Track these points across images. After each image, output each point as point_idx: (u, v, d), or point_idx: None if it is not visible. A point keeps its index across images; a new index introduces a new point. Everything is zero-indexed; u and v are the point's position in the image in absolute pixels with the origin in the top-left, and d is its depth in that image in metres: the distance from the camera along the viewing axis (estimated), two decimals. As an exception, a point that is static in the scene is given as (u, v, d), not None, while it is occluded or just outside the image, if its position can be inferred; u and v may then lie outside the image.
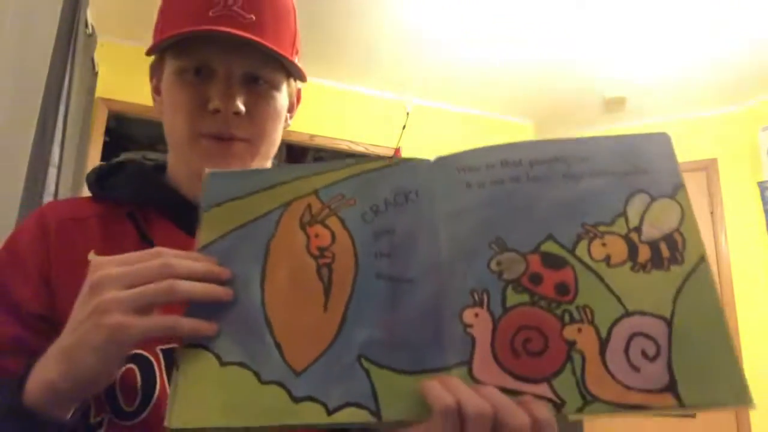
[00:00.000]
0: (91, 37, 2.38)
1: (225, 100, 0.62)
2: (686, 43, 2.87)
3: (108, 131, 2.98)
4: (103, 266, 0.44)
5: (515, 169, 0.50)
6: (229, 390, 0.43)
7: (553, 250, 0.46)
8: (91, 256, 0.61)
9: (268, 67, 0.65)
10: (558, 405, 0.41)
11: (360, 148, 3.47)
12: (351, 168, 0.52)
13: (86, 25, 2.15)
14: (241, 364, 0.44)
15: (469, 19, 2.74)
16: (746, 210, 3.38)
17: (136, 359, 0.57)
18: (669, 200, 0.48)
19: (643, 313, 0.44)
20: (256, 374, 0.44)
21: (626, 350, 0.43)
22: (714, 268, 3.41)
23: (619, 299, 0.44)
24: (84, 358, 0.42)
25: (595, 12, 2.64)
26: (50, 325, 0.57)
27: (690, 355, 0.42)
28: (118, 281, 0.43)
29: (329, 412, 0.42)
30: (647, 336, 0.43)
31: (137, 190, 0.68)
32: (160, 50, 0.67)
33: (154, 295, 0.42)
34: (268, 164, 0.71)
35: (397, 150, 3.48)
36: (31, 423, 0.44)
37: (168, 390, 0.53)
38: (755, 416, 3.14)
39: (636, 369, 0.42)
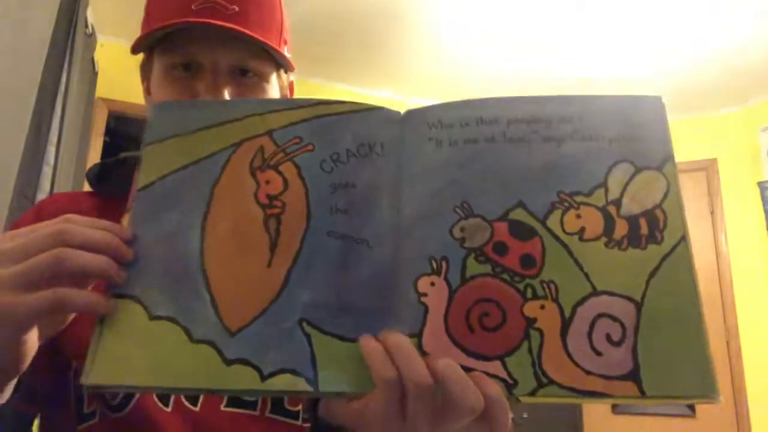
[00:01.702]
0: (91, 37, 2.38)
1: (212, 93, 0.62)
2: (686, 43, 2.87)
3: (108, 131, 2.98)
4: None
5: (491, 128, 0.45)
6: (156, 347, 0.39)
7: (523, 218, 0.42)
8: None
9: (255, 58, 0.64)
10: (510, 385, 0.38)
11: (360, 148, 3.47)
12: (312, 109, 0.47)
13: (86, 25, 2.15)
14: (171, 319, 0.40)
15: (470, 19, 2.74)
16: (746, 210, 3.38)
17: None
18: (655, 172, 0.43)
19: (611, 294, 0.40)
20: (187, 331, 0.39)
21: (590, 332, 0.39)
22: (714, 268, 3.41)
23: (587, 277, 0.41)
24: None
25: (594, 13, 2.64)
26: None
27: (657, 342, 0.39)
28: (10, 256, 0.38)
29: (263, 378, 0.38)
30: (614, 318, 0.40)
31: None
32: (146, 48, 0.67)
33: (39, 266, 0.37)
34: None
35: (397, 150, 3.48)
36: None
37: None
38: (755, 417, 3.14)
39: (598, 353, 0.39)
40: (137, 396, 0.55)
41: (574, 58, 3.05)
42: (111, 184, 0.68)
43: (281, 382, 0.38)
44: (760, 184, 3.29)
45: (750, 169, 3.40)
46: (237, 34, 0.62)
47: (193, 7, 0.62)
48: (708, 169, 3.56)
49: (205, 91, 0.62)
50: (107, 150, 2.97)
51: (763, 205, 3.26)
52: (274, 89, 0.68)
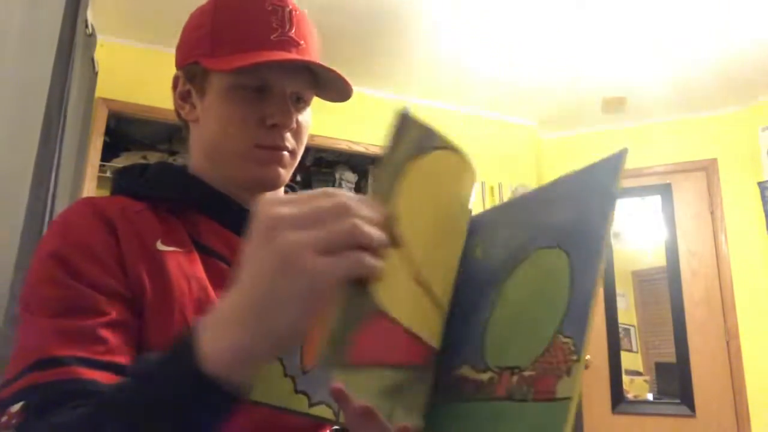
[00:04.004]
0: (91, 37, 2.38)
1: (284, 117, 0.69)
2: (686, 43, 2.87)
3: (108, 131, 2.98)
4: (272, 206, 0.38)
5: None
6: (270, 377, 0.53)
7: None
8: (159, 245, 0.64)
9: (309, 88, 0.73)
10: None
11: (360, 148, 3.46)
12: None
13: (86, 25, 2.15)
14: (280, 360, 0.56)
15: (470, 19, 2.74)
16: (746, 210, 3.38)
17: None
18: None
19: None
20: (284, 367, 0.54)
21: None
22: (714, 268, 3.41)
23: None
24: (282, 312, 0.37)
25: (595, 12, 2.64)
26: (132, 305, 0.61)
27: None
28: (295, 223, 0.37)
29: (309, 405, 0.52)
30: None
31: (185, 189, 0.72)
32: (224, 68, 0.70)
33: (339, 234, 0.37)
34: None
35: (397, 150, 3.48)
36: (214, 395, 0.39)
37: None
38: (755, 417, 3.14)
39: None
40: None
41: (574, 60, 3.05)
42: (151, 188, 0.71)
43: (319, 410, 0.52)
44: (760, 184, 3.29)
45: (750, 169, 3.40)
46: (313, 68, 0.70)
47: (272, 37, 0.69)
48: (708, 169, 3.56)
49: (278, 114, 0.69)
50: (107, 150, 2.97)
51: (763, 205, 3.26)
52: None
